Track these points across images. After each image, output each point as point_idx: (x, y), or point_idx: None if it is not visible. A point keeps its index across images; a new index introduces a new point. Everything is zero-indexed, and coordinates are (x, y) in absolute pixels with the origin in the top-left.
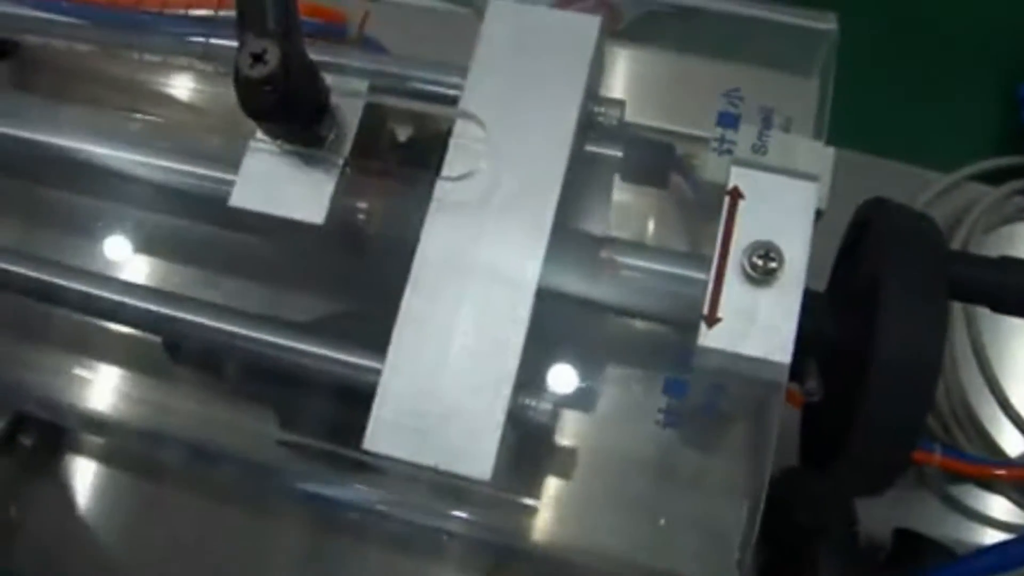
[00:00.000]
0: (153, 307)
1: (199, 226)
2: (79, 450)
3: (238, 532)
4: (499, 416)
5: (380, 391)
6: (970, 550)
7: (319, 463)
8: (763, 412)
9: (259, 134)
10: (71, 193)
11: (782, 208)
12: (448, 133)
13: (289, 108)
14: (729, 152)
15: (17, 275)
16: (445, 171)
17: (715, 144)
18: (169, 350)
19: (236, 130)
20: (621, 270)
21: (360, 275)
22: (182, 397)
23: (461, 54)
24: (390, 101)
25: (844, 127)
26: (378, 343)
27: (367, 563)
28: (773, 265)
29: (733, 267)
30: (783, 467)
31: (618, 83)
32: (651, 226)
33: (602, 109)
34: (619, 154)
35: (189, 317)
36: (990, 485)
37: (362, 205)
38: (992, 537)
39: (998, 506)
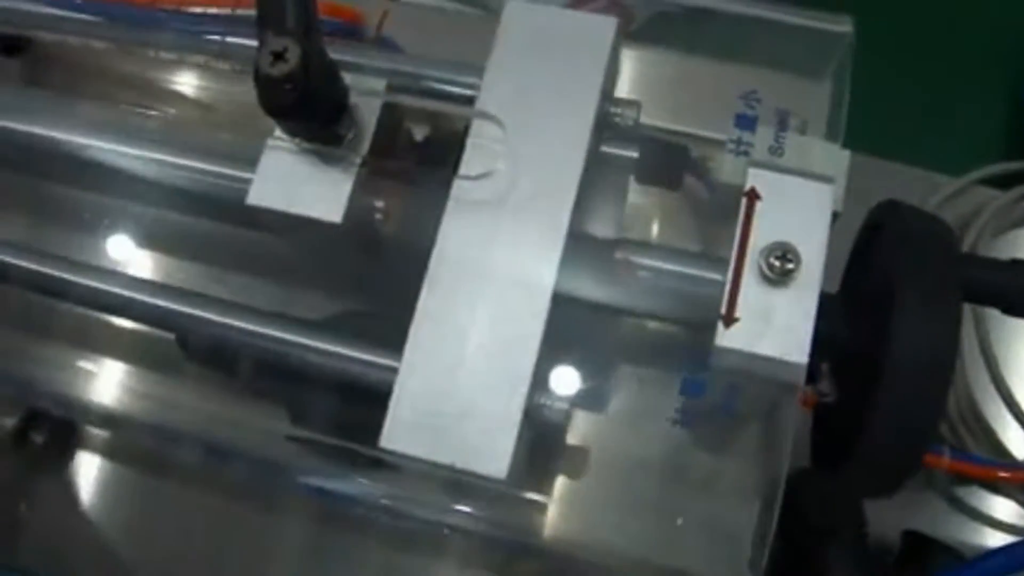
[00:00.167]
0: (170, 304)
1: (211, 223)
2: (89, 447)
3: (246, 530)
4: (516, 415)
5: (397, 390)
6: (976, 552)
7: (330, 460)
8: (776, 413)
9: (277, 132)
10: (82, 190)
11: (799, 209)
12: (465, 133)
13: (309, 106)
14: (746, 154)
15: (31, 271)
16: (463, 170)
17: (732, 146)
18: (184, 346)
19: (247, 127)
20: (636, 271)
21: (376, 274)
22: (193, 393)
23: (476, 55)
24: (408, 100)
25: (853, 130)
26: (390, 341)
27: (373, 559)
28: (790, 266)
29: (750, 268)
30: (794, 468)
31: (629, 84)
32: (655, 227)
33: (618, 110)
34: (635, 155)
35: (204, 314)
36: (997, 487)
37: (379, 204)
38: (998, 539)
39: (1005, 508)
